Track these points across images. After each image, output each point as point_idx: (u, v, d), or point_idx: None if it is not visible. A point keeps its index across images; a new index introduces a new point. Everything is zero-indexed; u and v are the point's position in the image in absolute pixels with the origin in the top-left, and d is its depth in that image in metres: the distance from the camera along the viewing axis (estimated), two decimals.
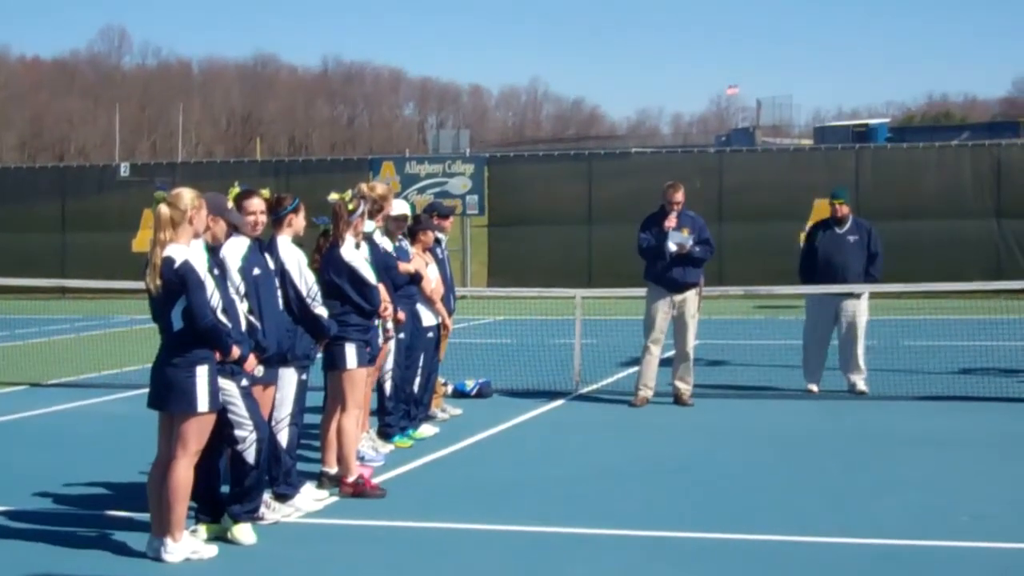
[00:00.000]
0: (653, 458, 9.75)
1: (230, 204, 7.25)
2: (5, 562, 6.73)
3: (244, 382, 7.00)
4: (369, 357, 8.66)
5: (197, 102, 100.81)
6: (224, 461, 7.22)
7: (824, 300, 12.95)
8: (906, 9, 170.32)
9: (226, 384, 6.86)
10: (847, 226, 12.96)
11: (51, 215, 30.85)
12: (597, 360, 14.68)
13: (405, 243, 10.20)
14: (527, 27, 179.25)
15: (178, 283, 6.55)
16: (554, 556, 6.91)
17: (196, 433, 6.70)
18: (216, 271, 6.86)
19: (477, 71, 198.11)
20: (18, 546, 7.07)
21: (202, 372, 6.63)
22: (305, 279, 7.77)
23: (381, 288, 8.80)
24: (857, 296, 12.83)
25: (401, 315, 9.58)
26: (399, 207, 10.02)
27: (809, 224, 20.74)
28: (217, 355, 6.72)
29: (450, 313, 11.13)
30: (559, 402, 12.56)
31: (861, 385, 12.77)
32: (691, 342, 12.18)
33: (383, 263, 9.31)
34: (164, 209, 6.62)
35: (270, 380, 7.48)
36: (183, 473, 6.69)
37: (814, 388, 12.94)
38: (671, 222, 12.06)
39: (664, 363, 12.48)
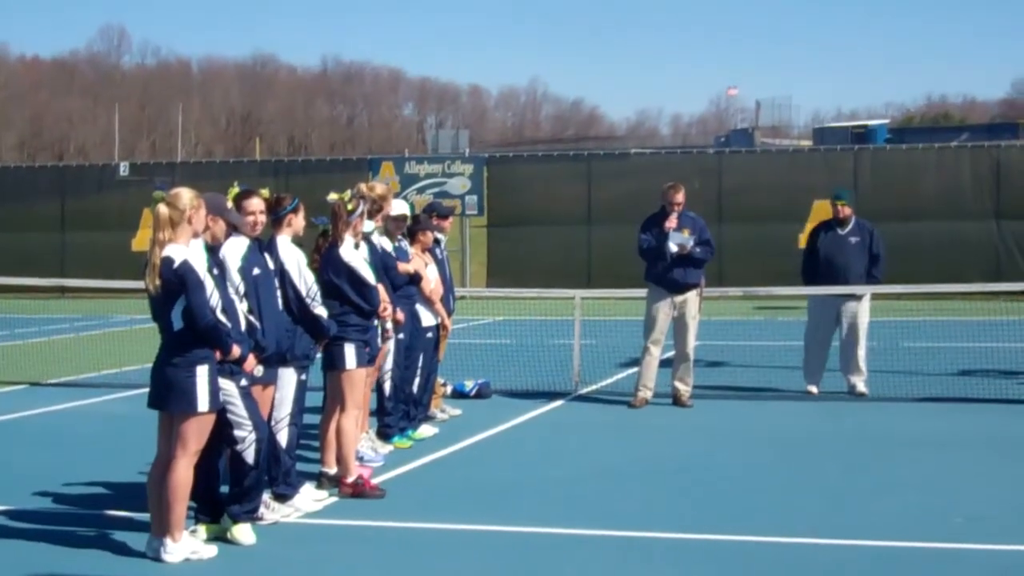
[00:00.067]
0: (652, 459, 9.75)
1: (229, 204, 7.25)
2: (5, 562, 6.73)
3: (243, 382, 7.00)
4: (368, 357, 8.66)
5: (196, 102, 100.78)
6: (224, 461, 7.23)
7: (826, 301, 12.93)
8: (906, 10, 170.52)
9: (225, 384, 6.86)
10: (849, 227, 12.95)
11: (50, 214, 30.81)
12: (596, 361, 14.66)
13: (404, 243, 10.19)
14: (527, 27, 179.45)
15: (177, 283, 6.55)
16: (553, 556, 6.91)
17: (196, 433, 6.70)
18: (215, 271, 6.86)
19: (476, 71, 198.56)
20: (18, 546, 7.07)
21: (202, 372, 6.63)
22: (304, 279, 7.77)
23: (380, 288, 8.80)
24: (859, 297, 12.82)
25: (400, 315, 9.57)
26: (398, 207, 10.02)
27: (809, 225, 20.81)
28: (217, 355, 6.72)
29: (449, 313, 11.12)
30: (558, 403, 12.56)
31: (861, 387, 12.76)
32: (691, 343, 12.17)
33: (382, 263, 9.32)
34: (163, 209, 6.62)
35: (269, 380, 7.48)
36: (183, 473, 6.69)
37: (814, 390, 12.93)
38: (672, 223, 12.05)
39: (664, 364, 12.48)
